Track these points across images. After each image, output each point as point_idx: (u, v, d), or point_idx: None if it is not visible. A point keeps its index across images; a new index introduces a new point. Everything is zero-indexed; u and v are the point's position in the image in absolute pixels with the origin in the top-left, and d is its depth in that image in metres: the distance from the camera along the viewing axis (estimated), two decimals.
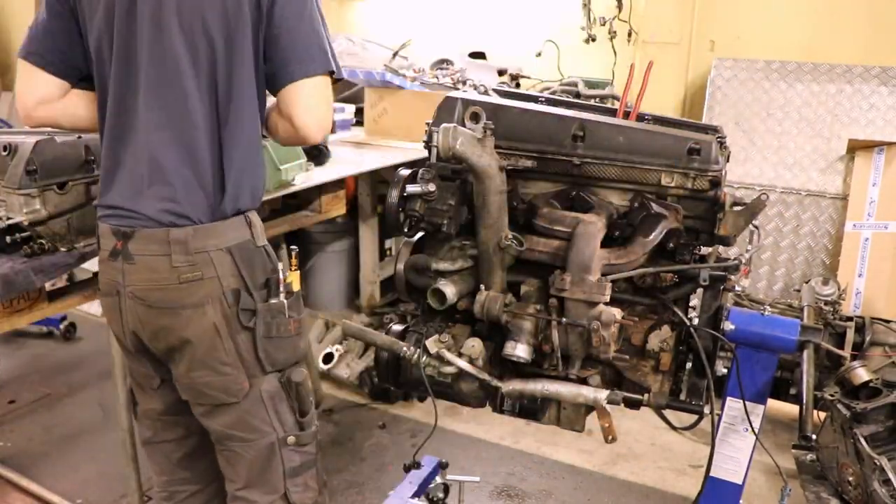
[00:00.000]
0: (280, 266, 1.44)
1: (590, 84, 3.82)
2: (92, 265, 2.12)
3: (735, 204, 1.44)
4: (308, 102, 1.37)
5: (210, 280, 1.36)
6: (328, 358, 3.38)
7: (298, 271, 1.48)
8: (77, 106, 1.49)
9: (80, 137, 1.91)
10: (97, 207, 1.46)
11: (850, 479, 2.04)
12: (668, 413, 3.25)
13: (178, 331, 1.39)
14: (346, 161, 3.10)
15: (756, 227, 1.53)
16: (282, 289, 1.41)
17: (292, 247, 1.49)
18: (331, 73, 1.39)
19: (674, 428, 3.12)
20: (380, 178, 3.68)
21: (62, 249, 1.88)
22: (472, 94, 1.71)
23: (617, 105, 1.57)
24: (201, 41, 1.33)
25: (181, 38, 1.33)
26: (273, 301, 1.41)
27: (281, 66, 1.37)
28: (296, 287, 1.46)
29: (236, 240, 1.39)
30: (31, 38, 1.43)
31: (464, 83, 3.35)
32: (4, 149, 1.79)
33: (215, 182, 1.37)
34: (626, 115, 1.52)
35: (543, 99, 1.60)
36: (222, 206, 1.37)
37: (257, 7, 1.34)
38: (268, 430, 1.45)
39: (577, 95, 3.66)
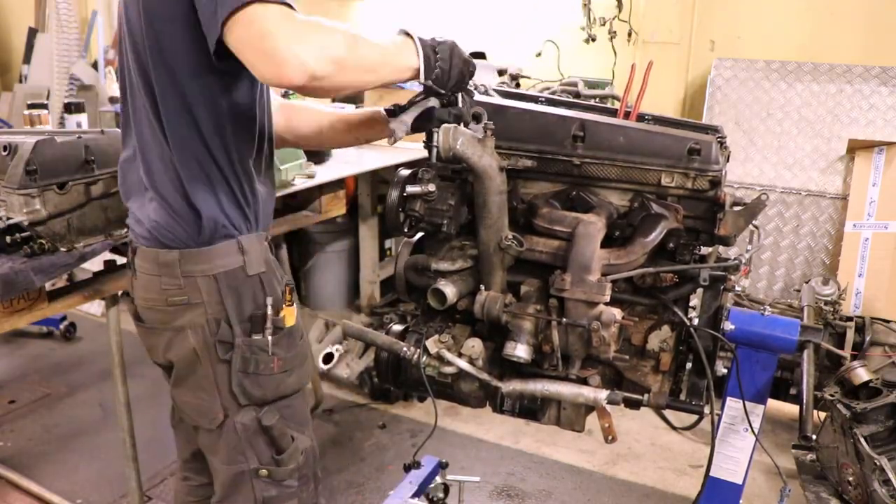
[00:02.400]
0: (270, 301, 1.35)
1: (590, 84, 3.82)
2: (92, 265, 2.13)
3: (735, 204, 1.43)
4: (248, 41, 1.07)
5: (196, 305, 1.33)
6: (328, 358, 3.39)
7: (294, 306, 1.39)
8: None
9: (79, 137, 1.91)
10: None
11: (850, 479, 2.04)
12: (668, 413, 3.26)
13: (163, 351, 1.40)
14: (346, 161, 3.10)
15: (756, 227, 1.53)
16: (268, 325, 1.34)
17: (288, 280, 1.39)
18: None
19: (674, 428, 3.13)
20: (380, 178, 3.69)
21: (62, 249, 1.87)
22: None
23: (617, 105, 1.57)
24: (135, 49, 1.25)
25: (132, 53, 1.27)
26: (255, 337, 1.34)
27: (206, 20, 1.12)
28: (289, 322, 1.38)
29: (224, 267, 1.32)
30: None
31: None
32: (4, 149, 1.79)
33: (188, 206, 1.30)
34: (627, 115, 1.52)
35: (544, 99, 1.60)
36: (203, 231, 1.31)
37: None
38: (240, 459, 1.41)
39: (577, 95, 3.66)
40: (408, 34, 1.27)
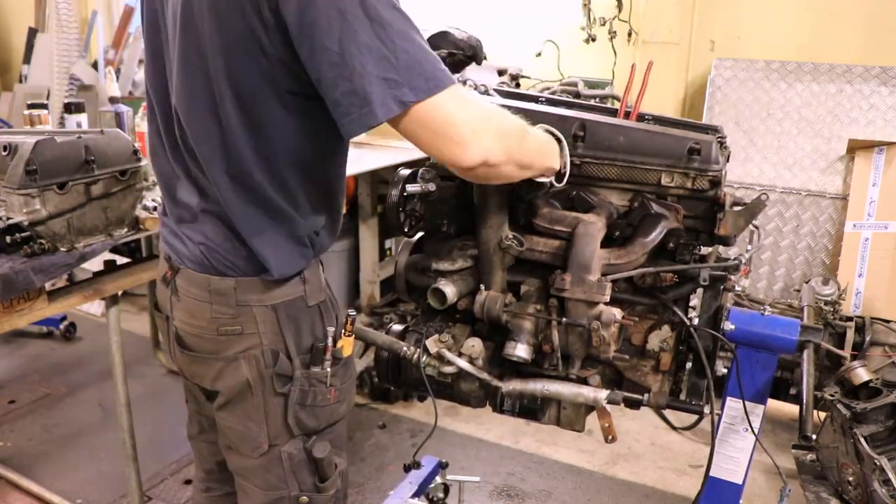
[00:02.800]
0: (331, 330, 1.29)
1: (590, 84, 3.82)
2: (92, 265, 2.13)
3: (735, 204, 1.43)
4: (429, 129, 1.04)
5: (250, 336, 1.24)
6: None
7: (352, 336, 1.34)
8: None
9: (79, 137, 1.91)
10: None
11: (850, 479, 2.04)
12: (668, 413, 3.26)
13: (210, 381, 1.31)
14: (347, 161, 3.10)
15: (756, 226, 1.53)
16: (328, 357, 1.27)
17: (350, 311, 1.33)
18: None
19: (674, 428, 3.13)
20: (380, 178, 3.69)
21: (62, 249, 1.88)
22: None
23: (617, 105, 1.57)
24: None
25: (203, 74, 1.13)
26: (314, 369, 1.27)
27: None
28: (346, 352, 1.32)
29: (284, 297, 1.24)
30: None
31: (464, 83, 3.35)
32: (4, 149, 1.79)
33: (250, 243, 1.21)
34: (627, 115, 1.52)
35: (544, 99, 1.60)
36: (270, 268, 1.21)
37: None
38: (281, 486, 1.34)
39: (578, 95, 3.66)
40: (554, 135, 1.32)
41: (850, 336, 2.65)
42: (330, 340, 1.28)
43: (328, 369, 1.28)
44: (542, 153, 1.26)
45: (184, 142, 1.21)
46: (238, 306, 1.22)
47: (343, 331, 1.32)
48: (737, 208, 1.43)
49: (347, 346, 1.32)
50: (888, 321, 2.72)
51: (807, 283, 3.01)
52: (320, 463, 1.33)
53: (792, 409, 2.77)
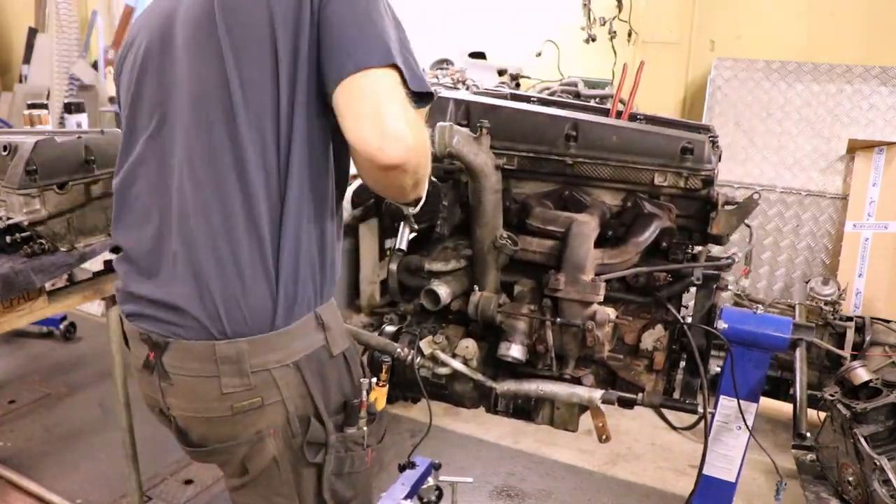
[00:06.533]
0: (366, 382, 1.12)
1: (590, 84, 3.82)
2: (92, 265, 2.13)
3: (727, 203, 1.44)
4: (359, 107, 0.94)
5: (272, 406, 1.04)
6: None
7: (386, 386, 1.16)
8: None
9: (79, 137, 1.92)
10: (116, 292, 1.17)
11: (850, 479, 2.03)
12: (667, 413, 3.25)
13: (238, 468, 1.12)
14: None
15: (748, 226, 1.53)
16: (362, 414, 1.09)
17: (384, 358, 1.17)
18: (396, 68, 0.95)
19: (673, 428, 3.13)
20: None
21: (62, 249, 1.88)
22: (464, 94, 1.71)
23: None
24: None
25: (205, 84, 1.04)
26: (350, 431, 1.09)
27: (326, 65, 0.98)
28: (380, 405, 1.14)
29: (306, 350, 1.06)
30: None
31: (464, 83, 3.36)
32: (4, 149, 1.80)
33: (265, 277, 1.02)
34: (619, 114, 1.52)
35: (535, 98, 1.60)
36: (282, 308, 1.03)
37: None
38: None
39: (577, 95, 3.66)
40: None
41: (850, 336, 2.64)
42: (365, 394, 1.10)
43: (364, 428, 1.10)
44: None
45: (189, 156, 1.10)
46: (253, 374, 1.02)
47: (378, 381, 1.16)
48: (729, 207, 1.43)
49: (381, 398, 1.15)
50: (888, 321, 2.71)
51: (807, 282, 3.00)
52: None
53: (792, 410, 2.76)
